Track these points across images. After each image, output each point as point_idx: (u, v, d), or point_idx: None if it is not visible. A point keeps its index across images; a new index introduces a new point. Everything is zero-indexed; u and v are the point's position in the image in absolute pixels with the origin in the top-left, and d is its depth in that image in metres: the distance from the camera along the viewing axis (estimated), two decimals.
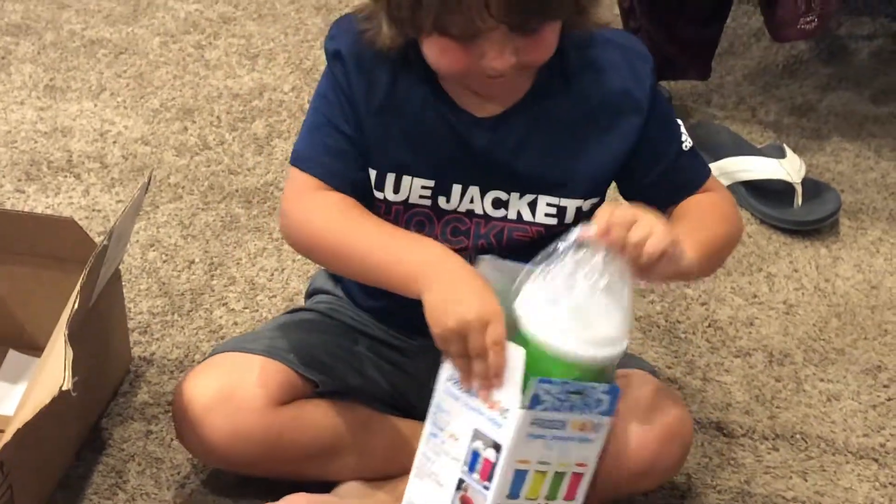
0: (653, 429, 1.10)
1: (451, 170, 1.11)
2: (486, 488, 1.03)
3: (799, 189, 1.66)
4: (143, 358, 1.39)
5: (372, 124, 1.10)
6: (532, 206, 1.12)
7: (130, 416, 1.31)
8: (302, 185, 1.10)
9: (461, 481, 1.04)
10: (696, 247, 1.05)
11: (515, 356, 1.00)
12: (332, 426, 1.15)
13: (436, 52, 1.03)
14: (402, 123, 1.10)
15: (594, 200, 1.14)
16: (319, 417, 1.14)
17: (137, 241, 1.56)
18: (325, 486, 1.18)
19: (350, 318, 1.21)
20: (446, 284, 1.01)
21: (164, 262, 1.53)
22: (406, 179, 1.10)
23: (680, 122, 1.17)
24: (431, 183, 1.11)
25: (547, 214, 1.12)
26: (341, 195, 1.10)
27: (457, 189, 1.11)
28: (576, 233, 1.00)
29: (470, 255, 1.08)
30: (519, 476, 1.03)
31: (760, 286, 1.56)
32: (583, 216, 1.13)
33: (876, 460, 1.33)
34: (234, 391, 1.11)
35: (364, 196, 1.12)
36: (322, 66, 1.16)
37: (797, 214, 1.65)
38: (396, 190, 1.11)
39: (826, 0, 1.69)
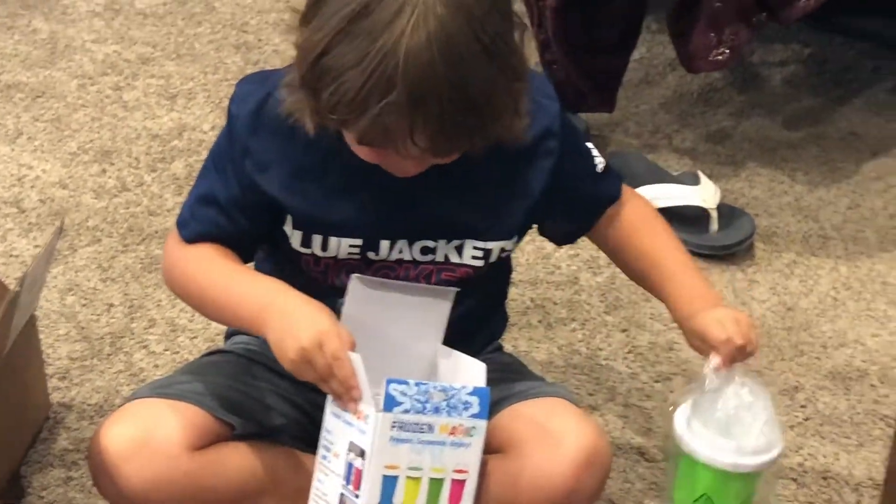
0: (571, 455, 1.11)
1: (378, 227, 1.12)
2: (357, 497, 1.04)
3: (714, 214, 1.69)
4: (62, 404, 1.38)
5: (290, 188, 1.10)
6: (459, 249, 1.14)
7: (50, 462, 1.30)
8: (177, 237, 1.14)
9: (342, 496, 1.06)
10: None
11: (358, 363, 1.03)
12: (252, 468, 1.14)
13: (353, 143, 1.06)
14: (324, 185, 1.11)
15: (517, 239, 1.17)
16: (239, 460, 1.14)
17: (55, 285, 1.54)
18: None
19: (268, 359, 1.20)
20: (279, 320, 1.05)
21: (83, 306, 1.52)
22: (333, 240, 1.12)
23: (590, 144, 1.21)
24: (359, 241, 1.12)
25: (474, 257, 1.15)
26: (210, 244, 1.12)
27: (385, 244, 1.13)
28: (710, 367, 1.15)
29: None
30: (389, 482, 1.04)
31: None
32: (506, 254, 1.17)
33: (795, 480, 1.35)
34: (149, 438, 1.10)
35: (252, 247, 1.15)
36: None
37: (713, 240, 1.68)
38: (324, 249, 1.13)
39: (737, 32, 1.73)
